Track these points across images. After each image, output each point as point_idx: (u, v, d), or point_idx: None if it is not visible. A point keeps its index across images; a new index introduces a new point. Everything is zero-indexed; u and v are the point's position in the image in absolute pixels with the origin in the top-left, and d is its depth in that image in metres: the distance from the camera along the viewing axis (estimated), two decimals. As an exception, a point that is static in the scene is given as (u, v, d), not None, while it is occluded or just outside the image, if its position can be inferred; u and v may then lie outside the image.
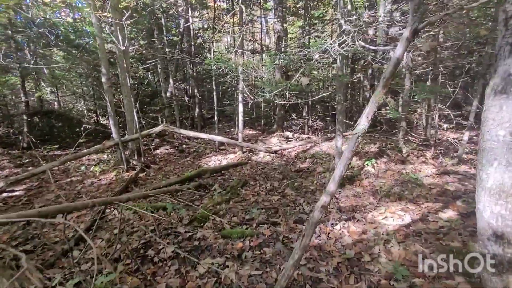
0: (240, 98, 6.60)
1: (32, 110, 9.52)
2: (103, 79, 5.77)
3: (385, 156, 5.72)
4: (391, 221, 3.43)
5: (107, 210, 4.23)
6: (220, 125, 14.14)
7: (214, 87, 7.56)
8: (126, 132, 6.82)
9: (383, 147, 6.08)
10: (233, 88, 15.10)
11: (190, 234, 3.34)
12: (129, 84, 5.55)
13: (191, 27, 10.00)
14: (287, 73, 9.87)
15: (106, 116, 12.74)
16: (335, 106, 5.02)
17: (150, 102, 13.91)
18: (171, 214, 3.90)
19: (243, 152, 7.08)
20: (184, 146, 8.46)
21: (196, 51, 12.12)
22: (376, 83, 8.69)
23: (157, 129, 6.34)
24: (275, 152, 7.09)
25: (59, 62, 9.08)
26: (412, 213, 3.59)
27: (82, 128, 6.97)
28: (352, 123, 5.08)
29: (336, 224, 3.41)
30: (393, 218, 3.51)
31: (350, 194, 4.47)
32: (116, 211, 4.19)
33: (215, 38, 14.38)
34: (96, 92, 11.27)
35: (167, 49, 8.27)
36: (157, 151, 9.31)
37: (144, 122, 10.04)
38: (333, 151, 6.49)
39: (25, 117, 8.85)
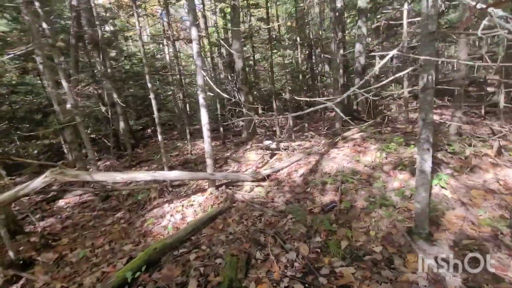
0: (201, 99, 3.70)
1: None
2: None
3: (442, 164, 3.77)
4: None
5: None
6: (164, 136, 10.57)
7: (148, 84, 4.37)
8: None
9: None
10: (169, 87, 11.50)
11: None
12: None
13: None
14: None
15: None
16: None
17: (44, 120, 9.27)
18: None
19: (217, 188, 4.25)
20: (109, 188, 5.05)
21: (105, 39, 8.31)
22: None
23: (37, 182, 2.94)
24: (267, 177, 4.50)
25: None
26: None
27: None
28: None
29: None
30: None
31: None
32: None
33: (129, 24, 10.57)
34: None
35: (46, 29, 4.46)
36: (61, 202, 5.58)
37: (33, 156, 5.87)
38: (359, 165, 4.26)
39: None
